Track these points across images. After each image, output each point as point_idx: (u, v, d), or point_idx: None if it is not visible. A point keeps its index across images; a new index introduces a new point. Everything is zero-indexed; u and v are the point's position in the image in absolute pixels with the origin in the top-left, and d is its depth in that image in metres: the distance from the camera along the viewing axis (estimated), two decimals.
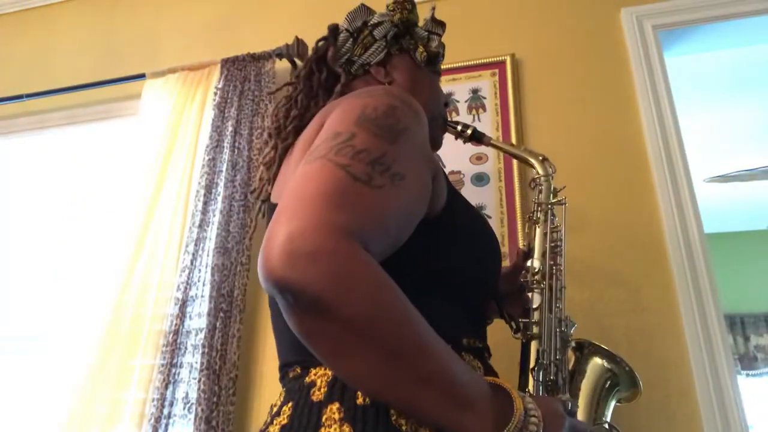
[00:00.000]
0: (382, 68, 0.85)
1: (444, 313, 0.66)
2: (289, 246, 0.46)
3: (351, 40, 0.86)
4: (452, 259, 0.69)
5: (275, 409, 0.64)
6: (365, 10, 0.89)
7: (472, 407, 0.51)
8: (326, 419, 0.56)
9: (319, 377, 0.61)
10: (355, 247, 0.48)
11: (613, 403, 0.85)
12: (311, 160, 0.56)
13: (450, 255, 0.69)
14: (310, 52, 1.85)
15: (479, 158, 1.49)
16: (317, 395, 0.59)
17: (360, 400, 0.56)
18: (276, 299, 0.49)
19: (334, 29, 0.88)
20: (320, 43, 0.88)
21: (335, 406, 0.56)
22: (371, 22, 0.86)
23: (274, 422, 0.61)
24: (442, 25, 0.92)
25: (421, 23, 0.90)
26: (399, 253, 0.58)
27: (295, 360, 0.67)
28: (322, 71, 0.86)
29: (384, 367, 0.49)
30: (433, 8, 0.92)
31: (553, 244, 0.87)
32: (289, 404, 0.61)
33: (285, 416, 0.60)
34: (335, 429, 0.54)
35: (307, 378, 0.62)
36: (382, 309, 0.48)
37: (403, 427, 0.54)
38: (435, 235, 0.67)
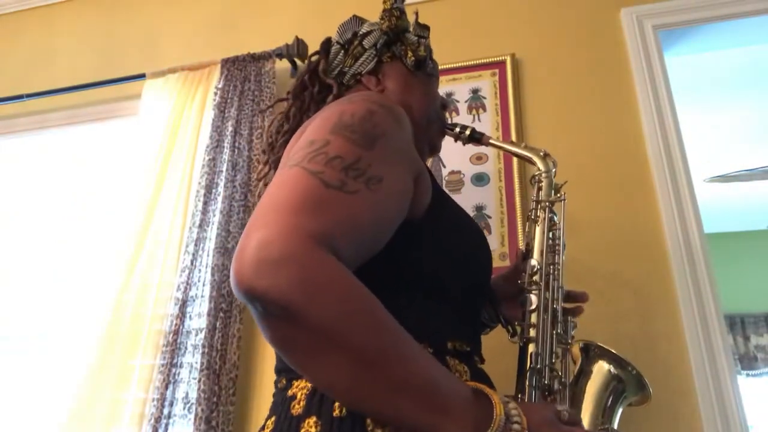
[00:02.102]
0: (374, 77, 0.85)
1: (427, 316, 0.65)
2: (258, 254, 0.46)
3: (342, 52, 0.87)
4: (436, 262, 0.68)
5: (263, 422, 0.64)
6: (356, 21, 0.89)
7: (449, 413, 0.50)
8: None
9: (300, 390, 0.61)
10: (323, 254, 0.48)
11: (620, 410, 0.82)
12: (285, 168, 0.56)
13: (433, 257, 0.68)
14: (310, 52, 1.86)
15: (479, 158, 1.49)
16: (296, 409, 0.59)
17: (336, 413, 0.56)
18: (248, 308, 0.49)
19: (326, 43, 0.89)
20: (313, 58, 0.89)
21: (312, 419, 0.57)
22: (361, 32, 0.87)
23: None
24: (426, 28, 0.92)
25: (412, 28, 0.90)
26: (380, 255, 0.58)
27: (282, 370, 0.67)
28: (314, 85, 0.86)
29: (356, 375, 0.49)
30: (416, 13, 0.92)
31: (551, 243, 0.85)
32: (272, 418, 0.62)
33: (268, 430, 0.61)
34: None
35: (289, 391, 0.62)
36: (350, 316, 0.48)
37: None
38: (417, 237, 0.66)
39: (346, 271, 0.49)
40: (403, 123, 0.66)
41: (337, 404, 0.57)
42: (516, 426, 0.51)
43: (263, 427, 0.63)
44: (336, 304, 0.47)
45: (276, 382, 0.68)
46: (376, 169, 0.56)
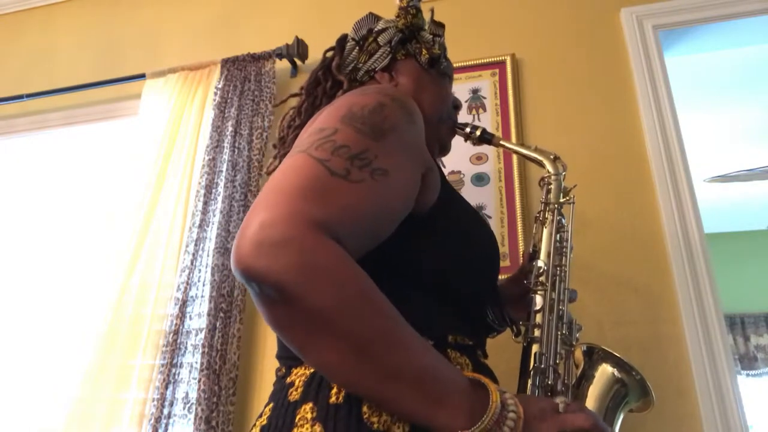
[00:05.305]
0: (387, 73, 0.85)
1: (428, 308, 0.65)
2: (259, 235, 0.47)
3: (357, 48, 0.87)
4: (438, 258, 0.69)
5: (262, 409, 0.65)
6: (372, 18, 0.89)
7: (444, 402, 0.51)
8: (299, 419, 0.56)
9: (298, 377, 0.61)
10: (323, 239, 0.49)
11: (622, 415, 0.81)
12: (292, 153, 0.57)
13: (436, 253, 0.69)
14: (310, 52, 1.86)
15: (479, 158, 1.49)
16: (294, 395, 0.59)
17: (333, 399, 0.56)
18: (247, 288, 0.50)
19: (341, 39, 0.89)
20: (327, 54, 0.89)
21: (308, 405, 0.57)
22: (376, 29, 0.87)
23: (256, 423, 0.62)
24: (441, 26, 0.92)
25: (427, 27, 0.90)
26: (384, 247, 0.58)
27: (281, 359, 0.68)
28: (327, 80, 0.86)
29: (350, 359, 0.49)
30: (432, 10, 0.92)
31: (558, 245, 0.85)
32: (270, 405, 0.63)
33: (265, 417, 0.61)
34: (307, 429, 0.55)
35: (288, 378, 0.63)
36: (346, 300, 0.49)
37: (375, 426, 0.54)
38: (422, 231, 0.67)
39: (345, 256, 0.50)
40: (415, 117, 0.66)
41: (333, 391, 0.57)
42: (512, 414, 0.51)
43: (261, 414, 0.63)
44: (333, 288, 0.48)
45: (276, 370, 0.68)
46: (382, 161, 0.57)
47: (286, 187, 0.51)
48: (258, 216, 0.48)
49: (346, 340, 0.49)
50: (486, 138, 0.96)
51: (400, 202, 0.60)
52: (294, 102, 0.89)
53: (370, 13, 0.89)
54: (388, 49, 0.85)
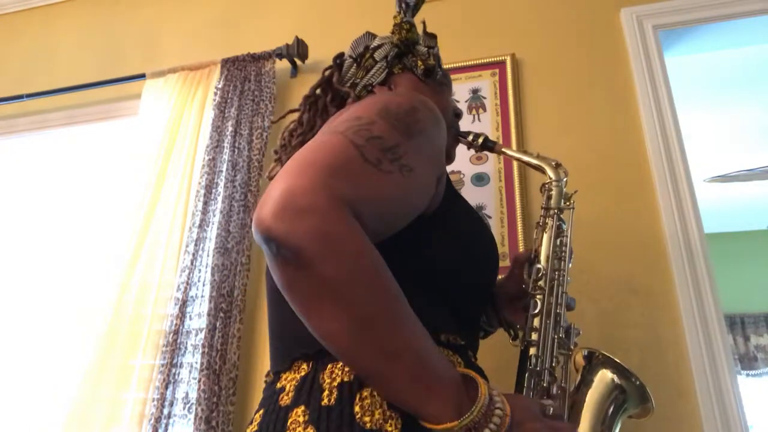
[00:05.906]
0: (385, 87, 0.87)
1: (425, 306, 0.65)
2: (283, 199, 0.48)
3: (354, 65, 0.89)
4: (440, 256, 0.70)
5: (251, 417, 0.65)
6: (368, 36, 0.92)
7: (435, 389, 0.52)
8: (291, 423, 0.56)
9: (288, 382, 0.62)
10: (346, 214, 0.50)
11: (620, 422, 0.80)
12: (327, 132, 0.59)
13: (437, 252, 0.70)
14: (310, 52, 1.86)
15: (479, 158, 1.49)
16: (285, 400, 0.60)
17: (324, 402, 0.57)
18: (262, 249, 0.51)
19: (338, 57, 0.92)
20: (326, 72, 0.92)
21: (300, 409, 0.57)
22: (372, 46, 0.89)
23: (247, 430, 0.63)
24: (434, 37, 0.94)
25: (421, 40, 0.92)
26: (387, 243, 0.59)
27: (273, 362, 0.69)
28: (327, 94, 0.89)
29: (354, 330, 0.50)
30: (423, 22, 0.93)
31: (558, 250, 0.85)
32: (261, 411, 0.63)
33: (255, 423, 0.62)
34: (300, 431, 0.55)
35: (278, 384, 0.63)
36: (359, 273, 0.50)
37: (368, 425, 0.54)
38: (424, 230, 0.68)
39: (363, 233, 0.51)
40: (441, 126, 0.69)
41: (325, 393, 0.57)
42: (498, 411, 0.52)
43: (251, 421, 0.63)
44: (347, 260, 0.49)
45: (265, 377, 0.69)
46: (410, 159, 0.59)
47: (317, 160, 0.52)
48: (285, 182, 0.50)
49: (353, 311, 0.50)
50: (488, 146, 0.97)
51: (417, 200, 0.62)
52: (295, 116, 0.92)
53: (367, 32, 0.92)
54: (385, 64, 0.87)
